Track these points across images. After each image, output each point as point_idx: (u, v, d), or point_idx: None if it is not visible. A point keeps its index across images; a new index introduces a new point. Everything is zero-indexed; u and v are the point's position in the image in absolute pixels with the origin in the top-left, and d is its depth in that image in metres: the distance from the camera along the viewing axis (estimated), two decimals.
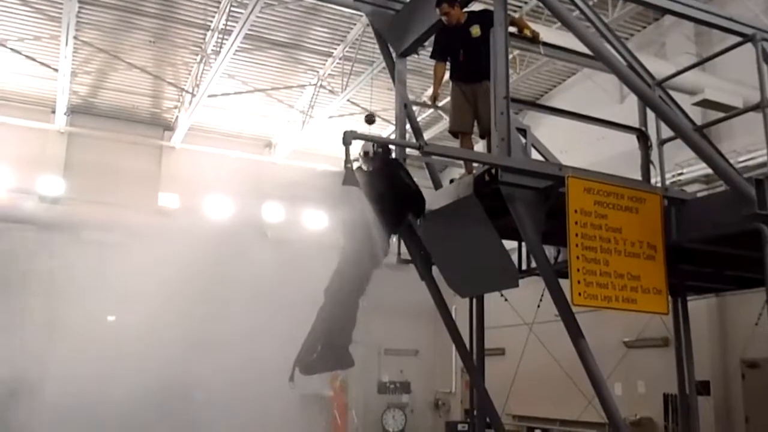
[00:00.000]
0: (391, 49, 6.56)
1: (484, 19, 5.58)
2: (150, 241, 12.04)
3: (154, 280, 11.08)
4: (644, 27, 13.62)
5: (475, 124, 6.00)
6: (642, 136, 5.88)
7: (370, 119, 7.01)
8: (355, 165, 4.79)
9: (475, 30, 5.73)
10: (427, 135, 12.54)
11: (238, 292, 11.24)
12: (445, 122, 15.33)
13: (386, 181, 5.41)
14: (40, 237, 14.66)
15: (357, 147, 4.89)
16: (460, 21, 5.93)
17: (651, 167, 5.97)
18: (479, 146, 6.55)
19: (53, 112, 15.41)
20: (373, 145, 5.67)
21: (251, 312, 11.60)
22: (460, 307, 8.09)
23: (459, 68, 6.17)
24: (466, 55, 5.90)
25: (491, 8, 5.30)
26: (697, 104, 11.41)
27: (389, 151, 5.86)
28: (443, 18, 5.95)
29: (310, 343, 5.49)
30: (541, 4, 8.74)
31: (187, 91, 15.13)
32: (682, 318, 6.88)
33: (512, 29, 5.76)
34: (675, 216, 5.02)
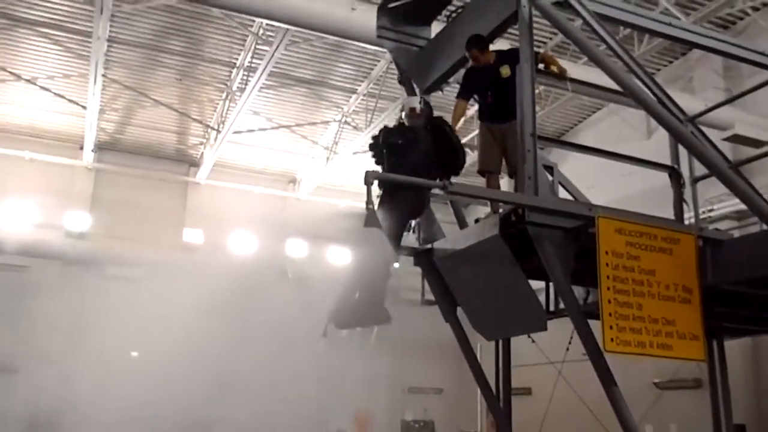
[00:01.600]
0: (415, 86, 6.49)
1: (514, 58, 5.48)
2: (174, 277, 12.04)
3: (177, 316, 11.04)
4: (671, 62, 13.49)
5: (504, 163, 5.91)
6: (674, 174, 5.70)
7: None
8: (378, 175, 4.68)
9: (505, 70, 5.64)
10: None
11: (260, 330, 11.14)
12: (468, 159, 15.27)
13: (432, 136, 5.56)
14: (66, 272, 14.75)
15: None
16: (489, 62, 5.85)
17: (684, 206, 5.79)
18: (505, 185, 6.41)
19: (81, 148, 15.63)
20: (420, 101, 5.75)
21: (272, 349, 11.49)
22: (485, 346, 7.88)
23: (487, 109, 6.08)
24: (495, 95, 5.81)
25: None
26: (727, 140, 11.22)
27: (432, 107, 5.92)
28: (473, 61, 5.93)
29: (345, 294, 5.32)
30: (566, 39, 8.67)
31: (212, 128, 15.26)
32: (718, 360, 6.62)
33: (539, 65, 5.67)
34: (710, 257, 4.82)
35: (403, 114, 5.71)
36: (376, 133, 5.85)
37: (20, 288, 13.88)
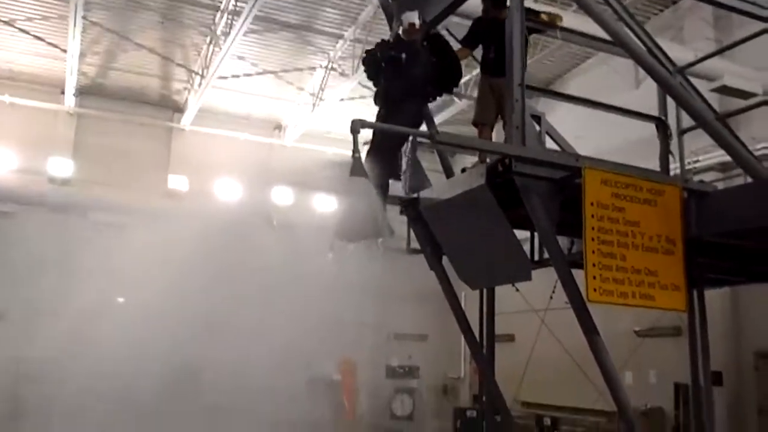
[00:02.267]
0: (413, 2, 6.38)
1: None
2: (159, 224, 12.00)
3: (162, 263, 11.04)
4: (661, 10, 13.34)
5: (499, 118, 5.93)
6: (661, 125, 5.70)
7: None
8: (361, 154, 4.68)
9: None
10: (437, 119, 12.36)
11: (245, 276, 11.18)
12: (455, 107, 15.19)
13: (430, 51, 5.61)
14: (50, 218, 14.66)
15: (365, 134, 4.75)
16: (500, 18, 5.79)
17: (670, 157, 5.80)
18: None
19: (62, 92, 15.32)
20: (419, 17, 5.74)
21: (260, 295, 11.55)
22: (469, 294, 7.96)
23: (489, 62, 6.10)
24: (498, 50, 5.78)
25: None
26: (715, 90, 11.18)
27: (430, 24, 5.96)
28: (483, 13, 6.04)
29: (347, 210, 5.45)
30: None
31: (196, 73, 15.00)
32: (698, 310, 6.73)
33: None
34: (695, 209, 4.86)
35: (401, 29, 5.70)
36: (371, 47, 5.87)
37: (5, 234, 13.81)
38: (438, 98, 5.89)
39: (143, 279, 11.14)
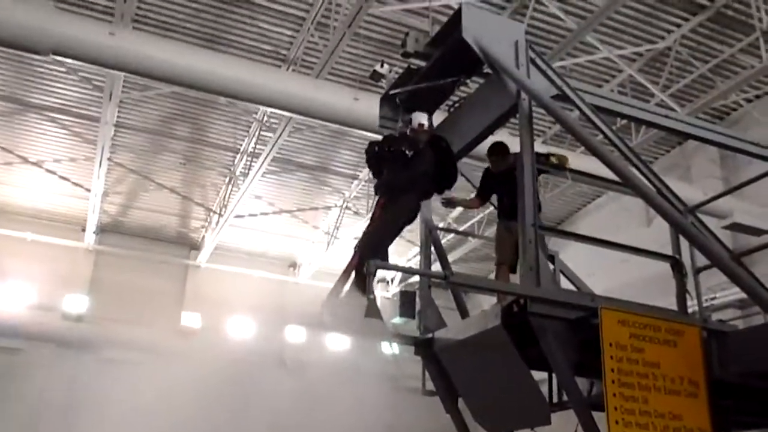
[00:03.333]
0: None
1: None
2: (171, 361, 11.85)
3: (173, 401, 10.80)
4: (668, 151, 13.71)
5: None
6: (676, 265, 5.68)
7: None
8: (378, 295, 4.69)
9: None
10: (451, 257, 12.46)
11: (256, 418, 10.88)
12: (468, 245, 15.35)
13: (433, 152, 5.79)
14: (60, 354, 14.54)
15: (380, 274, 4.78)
16: (509, 166, 6.07)
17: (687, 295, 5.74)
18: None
19: (83, 230, 15.66)
20: (428, 119, 6.01)
21: None
22: None
23: (504, 208, 6.40)
24: (512, 197, 6.00)
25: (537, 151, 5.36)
26: (726, 228, 11.26)
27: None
28: (492, 167, 6.39)
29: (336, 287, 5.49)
30: (564, 130, 8.83)
31: (214, 212, 15.35)
32: None
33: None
34: (716, 350, 4.75)
35: (409, 128, 5.93)
36: (375, 140, 6.08)
37: (13, 371, 13.66)
38: (432, 197, 6.14)
39: (153, 416, 10.88)
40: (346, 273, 5.49)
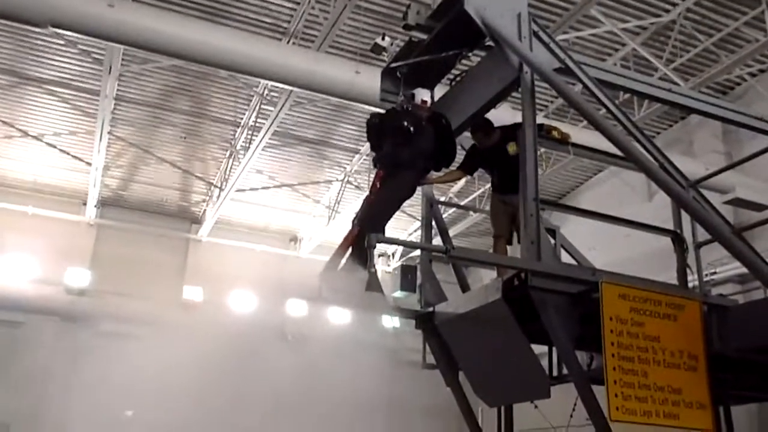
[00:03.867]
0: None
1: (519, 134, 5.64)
2: (172, 335, 11.91)
3: (175, 374, 10.88)
4: (671, 125, 13.64)
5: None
6: (677, 239, 5.69)
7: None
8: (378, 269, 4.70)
9: (512, 147, 5.79)
10: (452, 231, 12.46)
11: (257, 391, 10.96)
12: (469, 219, 15.32)
13: (433, 129, 5.81)
14: (63, 328, 14.61)
15: (380, 247, 4.79)
16: (495, 142, 6.03)
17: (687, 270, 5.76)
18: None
19: (84, 204, 15.68)
20: (431, 96, 6.01)
21: (270, 411, 11.27)
22: (487, 410, 7.74)
23: (496, 183, 6.39)
24: (503, 172, 6.01)
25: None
26: (728, 203, 11.24)
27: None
28: (479, 144, 6.26)
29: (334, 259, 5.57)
30: (566, 103, 8.79)
31: (215, 186, 15.34)
32: (725, 428, 6.48)
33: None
34: (716, 324, 4.77)
35: (411, 103, 5.92)
36: (377, 112, 6.13)
37: (14, 344, 13.73)
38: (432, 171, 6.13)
39: (155, 390, 10.96)
40: (343, 246, 5.51)
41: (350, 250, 5.45)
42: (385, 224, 5.62)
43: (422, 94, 5.94)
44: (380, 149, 5.92)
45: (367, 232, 4.91)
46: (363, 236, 5.07)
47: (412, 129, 5.68)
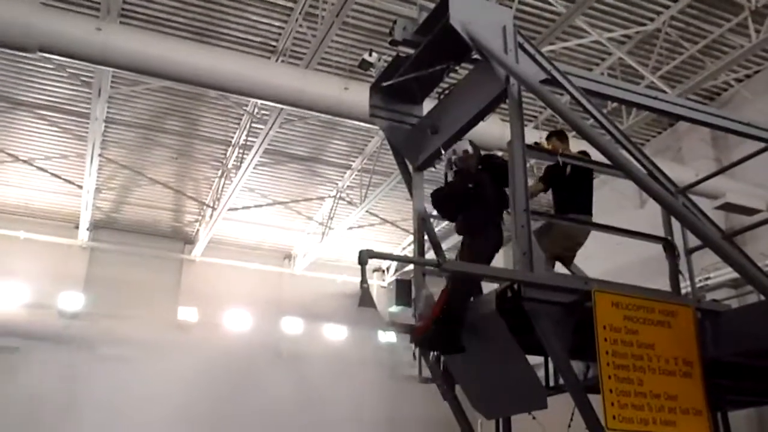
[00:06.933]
0: (408, 163, 6.55)
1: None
2: (168, 356, 11.85)
3: (170, 396, 10.82)
4: (659, 132, 13.73)
5: None
6: (669, 246, 5.71)
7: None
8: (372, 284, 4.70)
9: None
10: (445, 245, 12.45)
11: (253, 411, 10.90)
12: None
13: (490, 173, 5.67)
14: (57, 352, 14.51)
15: (373, 264, 4.79)
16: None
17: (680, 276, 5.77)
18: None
19: (76, 227, 15.63)
20: (470, 142, 5.83)
21: (267, 428, 11.21)
22: (485, 423, 7.71)
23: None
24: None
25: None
26: (719, 208, 11.29)
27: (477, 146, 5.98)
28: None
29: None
30: (555, 114, 8.83)
31: (207, 205, 15.33)
32: None
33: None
34: (710, 329, 4.77)
35: (454, 159, 5.78)
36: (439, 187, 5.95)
37: (9, 370, 13.63)
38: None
39: (150, 412, 10.89)
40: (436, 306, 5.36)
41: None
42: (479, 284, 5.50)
43: (463, 146, 5.81)
44: (455, 218, 5.83)
45: (456, 295, 4.92)
46: (453, 295, 5.02)
47: (472, 187, 5.58)
